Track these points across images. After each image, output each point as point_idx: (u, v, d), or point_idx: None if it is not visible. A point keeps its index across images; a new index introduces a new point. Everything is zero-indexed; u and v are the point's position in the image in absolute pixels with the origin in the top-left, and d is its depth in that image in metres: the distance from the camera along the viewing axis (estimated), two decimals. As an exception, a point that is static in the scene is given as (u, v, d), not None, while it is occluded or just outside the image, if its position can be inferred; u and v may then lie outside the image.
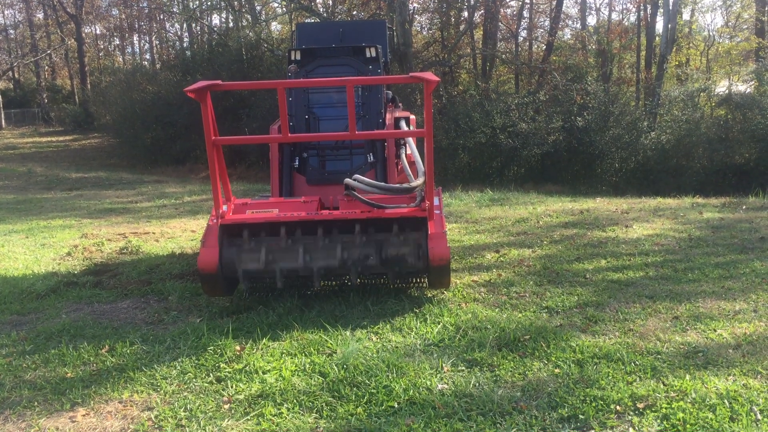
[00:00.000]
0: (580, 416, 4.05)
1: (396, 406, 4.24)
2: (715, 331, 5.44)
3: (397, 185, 6.90)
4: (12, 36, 57.41)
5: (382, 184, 7.36)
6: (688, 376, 4.52)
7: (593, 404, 4.17)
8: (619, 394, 4.28)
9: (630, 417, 4.04)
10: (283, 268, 6.08)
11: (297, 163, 8.26)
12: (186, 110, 28.98)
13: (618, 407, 4.14)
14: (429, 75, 5.66)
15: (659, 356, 4.90)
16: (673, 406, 4.12)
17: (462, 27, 34.82)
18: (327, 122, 8.60)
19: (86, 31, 53.01)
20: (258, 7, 37.20)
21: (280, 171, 8.10)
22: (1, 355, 5.44)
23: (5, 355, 5.43)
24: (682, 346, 5.10)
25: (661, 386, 4.41)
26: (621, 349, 5.01)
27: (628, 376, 4.56)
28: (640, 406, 4.15)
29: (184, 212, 14.72)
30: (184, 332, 5.78)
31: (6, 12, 56.36)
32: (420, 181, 6.61)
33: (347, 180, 6.57)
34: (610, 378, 4.53)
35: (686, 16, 40.73)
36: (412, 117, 9.05)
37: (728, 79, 38.21)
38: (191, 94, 5.62)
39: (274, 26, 37.51)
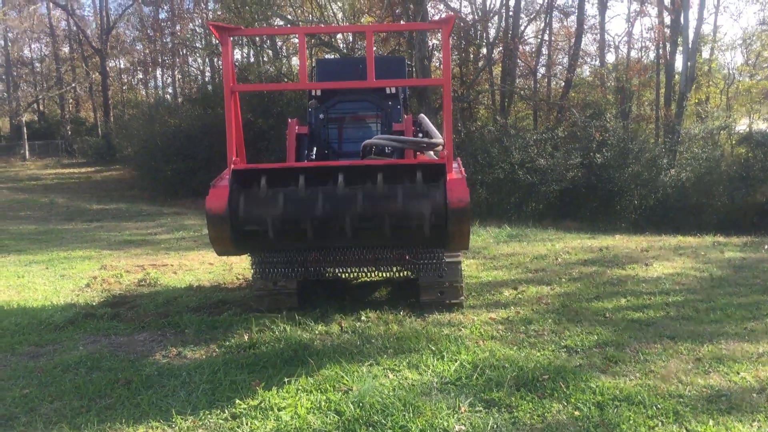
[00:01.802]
0: (601, 461, 3.96)
1: (412, 446, 4.18)
2: (738, 374, 5.33)
3: (417, 138, 6.98)
4: (38, 69, 58.61)
5: (402, 137, 7.44)
6: (711, 422, 4.43)
7: (614, 448, 4.09)
8: (641, 439, 4.19)
9: (652, 462, 3.95)
10: (304, 216, 5.82)
11: (314, 154, 8.32)
12: (206, 143, 29.30)
13: (639, 452, 4.05)
14: (446, 18, 5.78)
15: (681, 400, 4.80)
16: (696, 451, 4.03)
17: (481, 63, 35.06)
18: (344, 157, 8.67)
19: (111, 64, 54.06)
20: (279, 43, 37.77)
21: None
22: (17, 387, 5.44)
23: (21, 387, 5.44)
24: (704, 390, 5.00)
25: (684, 431, 4.30)
26: (642, 392, 4.92)
27: (650, 421, 4.46)
28: (663, 451, 4.06)
29: (203, 245, 14.77)
30: (200, 366, 5.76)
31: (33, 46, 57.63)
32: (439, 139, 6.62)
33: (365, 142, 6.61)
34: (631, 422, 4.44)
35: (706, 54, 40.78)
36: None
37: (749, 117, 38.06)
38: (215, 30, 5.79)
39: (294, 61, 37.93)
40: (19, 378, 5.68)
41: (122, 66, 58.54)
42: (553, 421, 4.48)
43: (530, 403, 4.79)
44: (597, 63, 39.36)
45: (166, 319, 7.55)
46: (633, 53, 40.55)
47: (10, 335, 7.04)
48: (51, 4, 51.21)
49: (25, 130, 51.10)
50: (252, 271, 7.40)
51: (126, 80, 59.89)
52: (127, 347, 6.57)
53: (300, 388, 5.18)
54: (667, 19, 33.65)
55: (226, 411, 4.80)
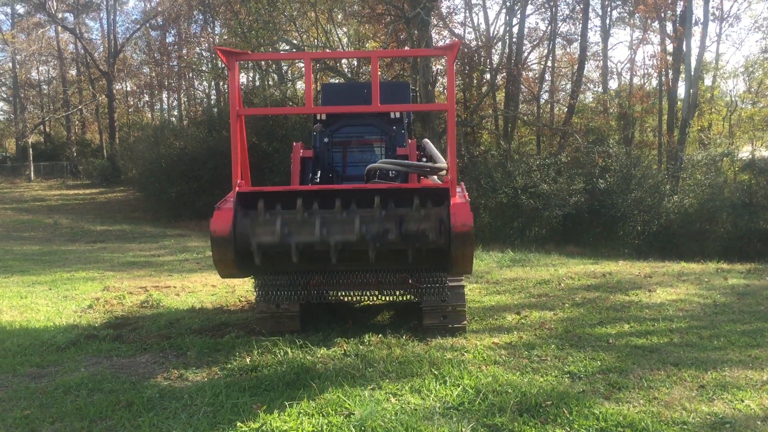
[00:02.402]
0: (604, 487, 3.93)
1: (414, 471, 4.15)
2: (742, 401, 5.30)
3: (421, 163, 7.01)
4: (45, 91, 59.09)
5: (406, 161, 7.47)
6: (715, 449, 4.39)
7: (617, 475, 4.06)
8: (645, 466, 4.15)
9: (656, 490, 3.91)
10: (299, 242, 5.81)
11: (318, 178, 8.36)
12: (210, 165, 29.45)
13: (643, 479, 4.02)
14: (451, 44, 5.83)
15: (685, 427, 4.78)
16: (700, 479, 4.00)
17: (484, 89, 35.30)
18: (348, 181, 8.72)
19: (117, 87, 54.49)
20: (284, 67, 38.09)
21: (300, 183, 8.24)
22: (18, 408, 5.43)
23: (23, 408, 5.43)
24: (708, 417, 4.97)
25: (688, 458, 4.28)
26: (646, 418, 4.89)
27: (654, 447, 4.44)
28: (667, 478, 4.02)
29: (206, 267, 14.78)
30: (201, 389, 5.74)
31: (41, 68, 58.15)
32: (443, 164, 6.65)
33: (370, 166, 6.64)
34: (634, 448, 4.41)
35: (708, 81, 41.01)
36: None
37: (751, 144, 38.17)
38: (222, 55, 5.86)
39: (299, 85, 38.27)
40: (20, 399, 5.67)
41: (129, 89, 59.07)
42: (556, 447, 4.46)
43: (533, 429, 4.76)
44: (600, 89, 39.65)
45: (168, 341, 7.54)
46: (636, 80, 40.85)
47: (12, 356, 7.04)
48: (59, 28, 51.75)
49: (30, 152, 51.40)
50: (255, 293, 7.40)
51: (132, 103, 60.36)
52: (128, 369, 6.56)
53: (302, 411, 5.16)
54: (670, 47, 33.91)
55: (227, 434, 4.79)
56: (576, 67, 36.75)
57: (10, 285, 12.39)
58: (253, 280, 7.38)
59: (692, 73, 30.86)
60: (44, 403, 5.55)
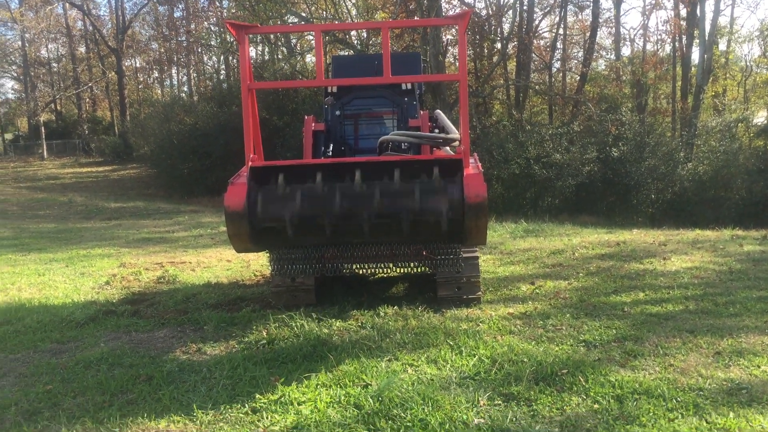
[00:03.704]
0: (621, 454, 3.96)
1: (432, 440, 4.19)
2: (758, 367, 5.30)
3: (434, 134, 7.01)
4: (55, 69, 59.13)
5: (419, 133, 7.47)
6: (732, 414, 4.40)
7: (634, 442, 4.08)
8: (661, 432, 4.18)
9: (672, 455, 3.94)
10: (317, 215, 5.84)
11: (330, 151, 8.36)
12: (222, 141, 29.46)
13: (660, 445, 4.04)
14: (462, 13, 5.80)
15: (702, 393, 4.78)
16: (717, 445, 4.02)
17: (495, 58, 34.96)
18: (360, 153, 8.70)
19: (126, 64, 54.43)
20: (293, 41, 37.85)
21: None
22: (40, 383, 5.52)
23: (45, 383, 5.52)
24: (725, 383, 4.97)
25: (704, 424, 4.29)
26: (662, 385, 4.90)
27: (670, 413, 4.45)
28: (683, 444, 4.05)
29: (220, 242, 14.87)
30: (219, 362, 5.81)
31: (50, 46, 58.15)
32: (456, 135, 6.64)
33: (382, 138, 6.64)
34: (651, 415, 4.43)
35: (722, 46, 40.44)
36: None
37: (767, 109, 37.65)
38: (231, 29, 5.85)
39: (309, 58, 38.08)
40: (42, 374, 5.76)
41: (138, 65, 59.00)
42: (572, 414, 4.48)
43: (549, 397, 4.79)
44: (612, 56, 39.11)
45: (185, 316, 7.62)
46: (649, 46, 40.34)
47: (33, 332, 7.13)
48: (67, 5, 51.62)
49: (43, 130, 51.64)
50: (270, 267, 7.45)
51: (142, 79, 60.29)
52: (147, 344, 6.64)
53: (319, 383, 5.21)
54: (683, 12, 33.41)
55: (246, 405, 4.84)
56: (588, 34, 36.29)
57: (28, 263, 12.52)
58: (267, 254, 7.41)
59: (706, 38, 30.39)
60: (66, 377, 5.64)
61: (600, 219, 23.37)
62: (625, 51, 41.66)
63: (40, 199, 30.09)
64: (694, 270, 9.19)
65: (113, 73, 52.89)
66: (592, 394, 4.81)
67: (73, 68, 54.83)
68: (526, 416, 4.49)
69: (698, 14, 30.93)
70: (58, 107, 60.36)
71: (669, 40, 37.48)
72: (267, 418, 4.62)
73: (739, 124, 29.79)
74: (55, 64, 58.97)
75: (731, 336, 6.11)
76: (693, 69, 33.44)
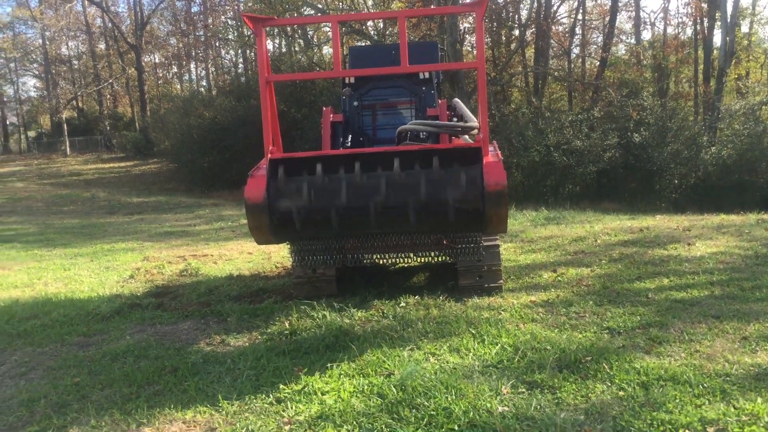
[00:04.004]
0: (647, 440, 3.93)
1: (456, 428, 4.19)
2: (787, 352, 5.23)
3: (452, 123, 6.98)
4: (76, 67, 59.73)
5: (437, 122, 7.45)
6: (759, 399, 4.35)
7: (661, 428, 4.05)
8: (688, 418, 4.14)
9: (699, 442, 3.90)
10: (336, 207, 5.85)
11: (349, 142, 8.36)
12: (241, 134, 29.59)
13: (687, 431, 4.01)
14: (478, 0, 5.77)
15: (728, 378, 4.73)
16: (745, 430, 3.97)
17: (513, 45, 34.71)
18: (379, 144, 8.69)
19: (146, 60, 54.78)
20: (310, 33, 37.85)
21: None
22: (68, 376, 5.60)
23: (73, 376, 5.59)
24: (752, 368, 4.91)
25: (732, 410, 4.25)
26: (688, 371, 4.85)
27: (697, 399, 4.41)
28: (711, 430, 4.00)
29: (241, 234, 14.96)
30: (243, 353, 5.85)
31: (70, 44, 58.74)
32: (475, 123, 6.61)
33: (400, 128, 6.64)
34: (677, 401, 4.39)
35: (745, 28, 39.74)
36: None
37: (791, 91, 36.99)
38: (248, 22, 5.86)
39: (326, 50, 38.07)
40: (70, 367, 5.84)
41: (157, 60, 59.37)
42: (597, 401, 4.46)
43: (573, 385, 4.76)
44: (633, 41, 38.66)
45: (208, 308, 7.68)
46: (669, 30, 39.79)
47: (60, 326, 7.23)
48: (86, 2, 52.01)
49: (65, 127, 52.25)
50: (291, 259, 7.48)
51: (161, 74, 60.69)
52: (172, 336, 6.71)
53: (342, 372, 5.23)
54: (705, -7, 32.87)
55: (270, 396, 4.87)
56: (607, 18, 35.88)
57: (53, 258, 12.70)
58: (288, 246, 7.44)
59: (728, 20, 29.89)
60: (93, 370, 5.71)
61: (622, 205, 23.16)
62: (646, 35, 41.25)
63: (64, 195, 30.46)
64: (719, 255, 9.08)
65: (133, 69, 53.29)
66: (617, 381, 4.78)
67: (94, 65, 55.34)
68: (550, 404, 4.47)
69: (720, -4, 30.43)
70: (80, 104, 60.99)
71: (690, 22, 36.96)
72: (291, 407, 4.64)
73: (763, 107, 29.27)
74: (75, 62, 59.62)
75: (758, 321, 6.03)
76: (715, 52, 32.93)
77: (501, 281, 7.67)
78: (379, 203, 5.84)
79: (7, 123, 64.38)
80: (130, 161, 45.66)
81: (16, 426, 4.67)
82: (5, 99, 62.39)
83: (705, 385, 4.62)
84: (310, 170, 5.99)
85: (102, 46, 58.42)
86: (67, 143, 51.74)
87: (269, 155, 6.08)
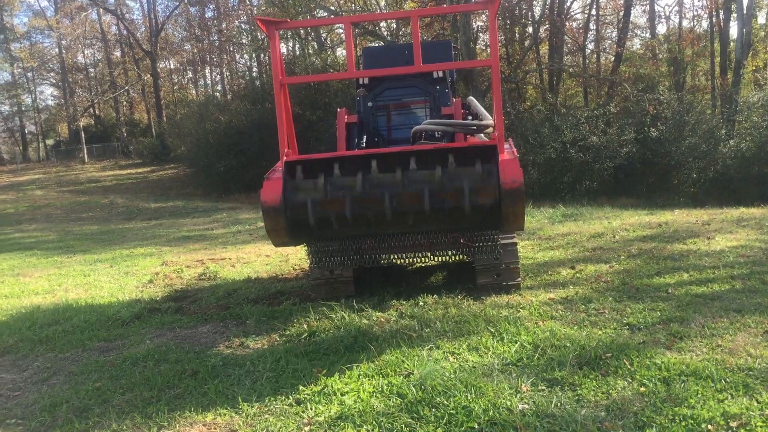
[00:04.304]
0: (670, 436, 3.89)
1: (476, 427, 4.17)
2: (811, 345, 5.16)
3: (467, 121, 6.97)
4: (92, 74, 60.33)
5: (452, 121, 7.43)
6: (784, 394, 4.30)
7: (683, 424, 4.01)
8: (710, 413, 4.09)
9: (723, 437, 3.86)
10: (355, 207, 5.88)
11: (364, 142, 8.37)
12: (256, 138, 29.71)
13: (710, 426, 3.96)
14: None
15: (751, 372, 4.68)
16: (769, 425, 3.92)
17: (527, 42, 34.54)
18: (394, 144, 8.68)
19: (161, 66, 55.26)
20: (323, 35, 37.93)
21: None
22: (90, 380, 5.64)
23: (94, 380, 5.64)
24: (775, 362, 4.85)
25: (755, 404, 4.20)
26: (710, 366, 4.80)
27: (719, 394, 4.36)
28: (734, 424, 3.96)
29: (258, 238, 15.02)
30: (262, 355, 5.87)
31: (86, 52, 59.32)
32: (490, 121, 6.58)
33: (415, 128, 6.64)
34: (699, 396, 4.34)
35: (761, 19, 39.32)
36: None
37: (810, 81, 36.47)
38: (262, 25, 5.90)
39: (339, 52, 38.12)
40: (91, 372, 5.89)
41: (172, 66, 59.87)
42: (618, 398, 4.42)
43: (594, 381, 4.73)
44: (648, 35, 38.34)
45: (227, 311, 7.72)
46: (685, 23, 39.38)
47: (80, 331, 7.30)
48: (101, 10, 52.49)
49: (83, 134, 52.79)
50: (308, 261, 7.50)
51: (176, 80, 61.18)
52: (191, 339, 6.75)
53: (361, 373, 5.23)
54: (720, -15, 32.52)
55: (290, 397, 4.89)
56: (622, 13, 35.59)
57: (74, 264, 12.82)
58: (306, 247, 7.46)
59: (745, 12, 29.56)
60: (114, 374, 5.75)
61: (640, 201, 22.97)
62: (661, 29, 40.87)
63: (83, 202, 30.75)
64: (740, 248, 8.98)
65: (148, 75, 53.72)
66: (638, 377, 4.74)
67: (110, 72, 55.89)
68: (571, 401, 4.44)
69: (735, -13, 30.11)
70: (97, 111, 61.58)
71: (706, 15, 36.58)
72: (311, 409, 4.65)
73: (782, 98, 28.90)
74: (92, 69, 60.23)
75: (781, 314, 5.95)
76: (731, 44, 32.58)
77: (519, 279, 7.64)
78: (396, 202, 5.84)
79: (26, 132, 65.12)
80: (148, 167, 46.01)
81: (39, 431, 4.71)
82: (23, 108, 63.11)
83: (727, 379, 4.57)
84: (326, 171, 6.00)
85: (117, 53, 59.00)
86: (85, 150, 52.25)
87: (285, 157, 6.10)
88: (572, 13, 37.15)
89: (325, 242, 6.75)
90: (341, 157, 6.21)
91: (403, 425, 4.28)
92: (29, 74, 59.89)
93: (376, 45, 30.35)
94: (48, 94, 71.02)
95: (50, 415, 4.94)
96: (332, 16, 31.07)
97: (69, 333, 7.27)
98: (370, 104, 8.91)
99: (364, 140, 8.52)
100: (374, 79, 8.89)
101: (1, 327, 7.73)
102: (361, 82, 9.02)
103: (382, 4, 33.90)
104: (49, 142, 65.42)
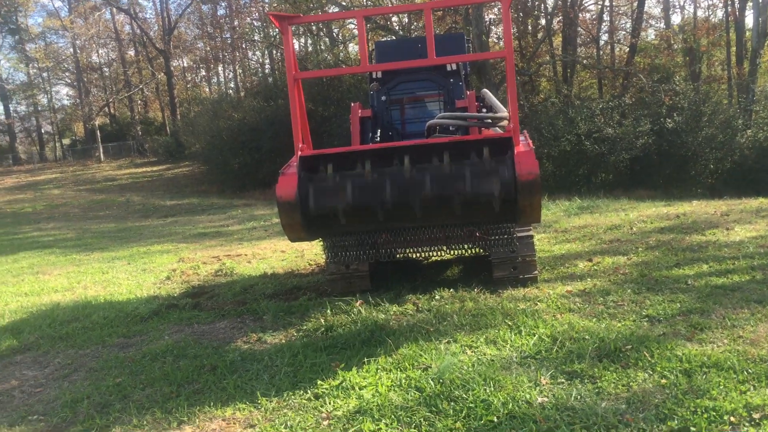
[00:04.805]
0: (692, 428, 3.85)
1: (495, 420, 4.16)
2: (834, 335, 5.09)
3: (482, 114, 6.95)
4: (107, 74, 60.71)
5: (466, 114, 7.40)
6: (807, 384, 4.24)
7: (705, 416, 3.97)
8: (733, 405, 4.05)
9: (746, 428, 3.82)
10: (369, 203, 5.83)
11: (378, 136, 8.36)
12: (270, 134, 29.77)
13: (732, 418, 3.92)
14: None
15: (774, 364, 4.62)
16: (793, 416, 3.88)
17: (540, 35, 34.36)
18: (408, 138, 8.66)
19: (174, 64, 55.46)
20: (335, 30, 37.92)
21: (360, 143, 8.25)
22: (110, 376, 5.68)
23: (114, 376, 5.67)
24: (798, 353, 4.79)
25: (778, 395, 4.15)
26: (731, 357, 4.75)
27: (741, 385, 4.31)
28: (756, 416, 3.92)
29: (274, 233, 15.06)
30: (280, 350, 5.88)
31: (100, 51, 59.72)
32: (504, 113, 6.56)
33: (430, 122, 6.64)
34: (721, 388, 4.30)
35: (778, 7, 38.79)
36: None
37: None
38: (275, 20, 5.90)
39: (351, 47, 38.08)
40: (111, 368, 5.93)
41: (185, 65, 60.11)
42: (639, 390, 4.39)
43: (614, 374, 4.69)
44: (662, 25, 38.05)
45: (244, 307, 7.74)
46: (700, 12, 39.11)
47: (100, 328, 7.35)
48: (114, 10, 52.78)
49: (98, 133, 53.12)
50: (324, 255, 7.51)
51: (190, 78, 61.42)
52: (209, 335, 6.77)
53: (379, 367, 5.22)
54: (736, -26, 32.16)
55: (308, 392, 4.89)
56: (636, 3, 35.30)
57: (92, 262, 12.92)
58: (321, 242, 7.47)
59: (761, 0, 29.21)
60: (134, 370, 5.79)
61: (657, 192, 22.81)
62: (676, 18, 40.59)
63: (100, 201, 30.97)
64: (760, 239, 8.88)
65: (162, 74, 54.01)
66: (658, 369, 4.70)
67: (124, 71, 56.24)
68: (590, 394, 4.41)
69: (752, -25, 29.75)
70: (112, 110, 61.97)
71: (721, 4, 36.19)
72: (329, 403, 4.65)
73: (800, 87, 28.62)
74: (106, 69, 60.61)
75: (802, 305, 5.88)
76: (747, 33, 32.22)
77: (536, 272, 7.60)
78: (417, 196, 5.82)
79: (42, 132, 65.65)
80: (163, 165, 46.26)
81: (61, 427, 4.75)
82: (40, 108, 63.63)
83: (749, 370, 4.52)
84: (342, 166, 5.99)
85: (131, 52, 59.35)
86: (101, 149, 52.61)
87: (299, 152, 6.09)
88: (585, 5, 36.88)
89: (341, 237, 6.75)
90: (357, 151, 6.19)
91: (422, 419, 4.27)
92: (44, 74, 60.33)
93: (388, 39, 30.29)
94: (63, 94, 71.55)
95: (71, 411, 4.98)
96: (344, 11, 31.02)
97: (89, 329, 7.32)
98: (383, 98, 8.89)
99: (378, 134, 8.51)
100: (387, 73, 8.87)
101: (22, 324, 7.80)
102: (374, 76, 9.00)
103: (394, -2, 33.83)
104: (66, 141, 65.94)
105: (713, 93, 28.71)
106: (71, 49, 55.84)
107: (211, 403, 4.82)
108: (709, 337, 5.27)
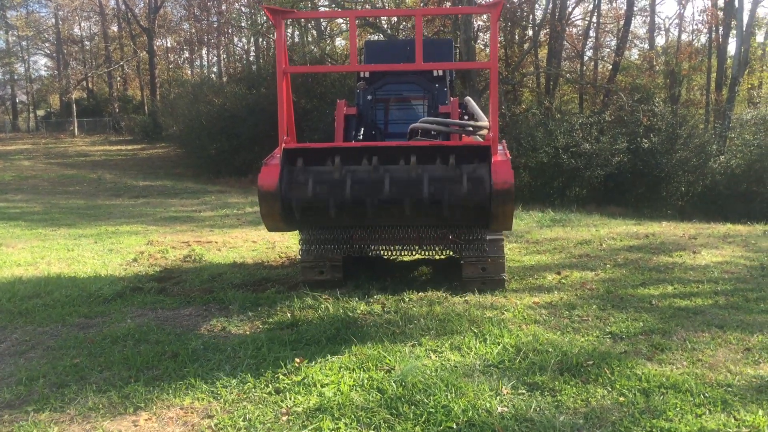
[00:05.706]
0: (646, 448, 3.90)
1: (455, 426, 4.17)
2: (790, 365, 5.19)
3: (463, 121, 7.07)
4: (87, 48, 59.79)
5: (449, 120, 7.52)
6: (761, 411, 4.32)
7: (660, 436, 4.02)
8: (688, 427, 4.11)
9: (699, 451, 3.87)
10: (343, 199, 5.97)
11: (361, 135, 8.39)
12: (250, 122, 29.55)
13: (686, 441, 3.98)
14: (495, 2, 5.76)
15: (730, 389, 4.70)
16: (745, 442, 3.94)
17: (527, 45, 34.58)
18: (390, 138, 8.68)
19: (158, 43, 54.80)
20: (323, 24, 37.76)
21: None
22: (68, 356, 5.60)
23: (72, 356, 5.59)
24: (754, 380, 4.88)
25: (732, 421, 4.22)
26: (689, 380, 4.82)
27: (697, 409, 4.38)
28: (710, 440, 3.98)
29: (246, 222, 14.96)
30: (244, 342, 5.84)
31: (83, 24, 58.79)
32: (485, 122, 6.63)
33: (412, 126, 6.69)
34: (677, 409, 4.36)
35: (760, 38, 39.60)
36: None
37: (804, 103, 36.75)
38: (269, 13, 5.93)
39: (338, 41, 37.97)
40: (69, 348, 5.84)
41: (169, 45, 59.39)
42: (597, 406, 4.43)
43: (574, 388, 4.74)
44: (646, 46, 38.61)
45: (210, 295, 7.68)
46: (684, 36, 39.60)
47: (61, 306, 7.24)
48: (100, -17, 51.99)
49: (74, 107, 52.31)
50: (299, 246, 7.55)
51: (172, 59, 60.69)
52: (173, 321, 6.70)
53: (343, 365, 5.21)
54: (721, 2, 32.71)
55: (270, 385, 4.86)
56: (622, 22, 35.69)
57: (57, 238, 12.71)
58: (298, 234, 7.49)
59: (744, 29, 29.72)
60: (92, 352, 5.71)
61: (628, 210, 23.07)
62: (660, 41, 41.08)
63: (70, 176, 30.48)
64: (725, 264, 9.03)
65: (144, 52, 53.33)
66: (617, 386, 4.75)
67: (105, 47, 55.41)
68: (550, 406, 4.45)
69: (736, 5, 30.24)
70: (90, 85, 61.05)
71: (705, 30, 36.81)
72: (290, 398, 4.63)
73: (775, 118, 29.12)
74: (87, 43, 59.70)
75: (761, 332, 5.99)
76: (729, 60, 32.77)
77: (504, 274, 7.67)
78: (391, 195, 5.88)
79: (17, 101, 64.48)
80: (138, 144, 45.69)
81: (15, 404, 4.67)
82: (16, 77, 62.46)
83: (706, 394, 4.59)
84: (324, 161, 6.04)
85: (114, 28, 58.47)
86: (76, 124, 51.83)
87: (283, 144, 6.11)
88: (573, 19, 37.22)
89: (316, 230, 6.80)
90: (340, 148, 6.24)
91: (382, 420, 4.27)
92: (23, 43, 59.16)
93: (377, 38, 30.27)
94: (41, 64, 70.44)
95: (26, 389, 4.90)
96: (335, 7, 30.91)
97: (49, 307, 7.21)
98: (369, 97, 8.89)
99: (362, 133, 8.50)
100: (375, 73, 8.89)
101: (-19, 297, 7.65)
102: (362, 75, 9.01)
103: (385, -3, 33.80)
104: (40, 112, 64.82)
105: (690, 117, 29.11)
106: (53, 20, 54.95)
107: (170, 391, 4.78)
108: (669, 358, 5.35)
